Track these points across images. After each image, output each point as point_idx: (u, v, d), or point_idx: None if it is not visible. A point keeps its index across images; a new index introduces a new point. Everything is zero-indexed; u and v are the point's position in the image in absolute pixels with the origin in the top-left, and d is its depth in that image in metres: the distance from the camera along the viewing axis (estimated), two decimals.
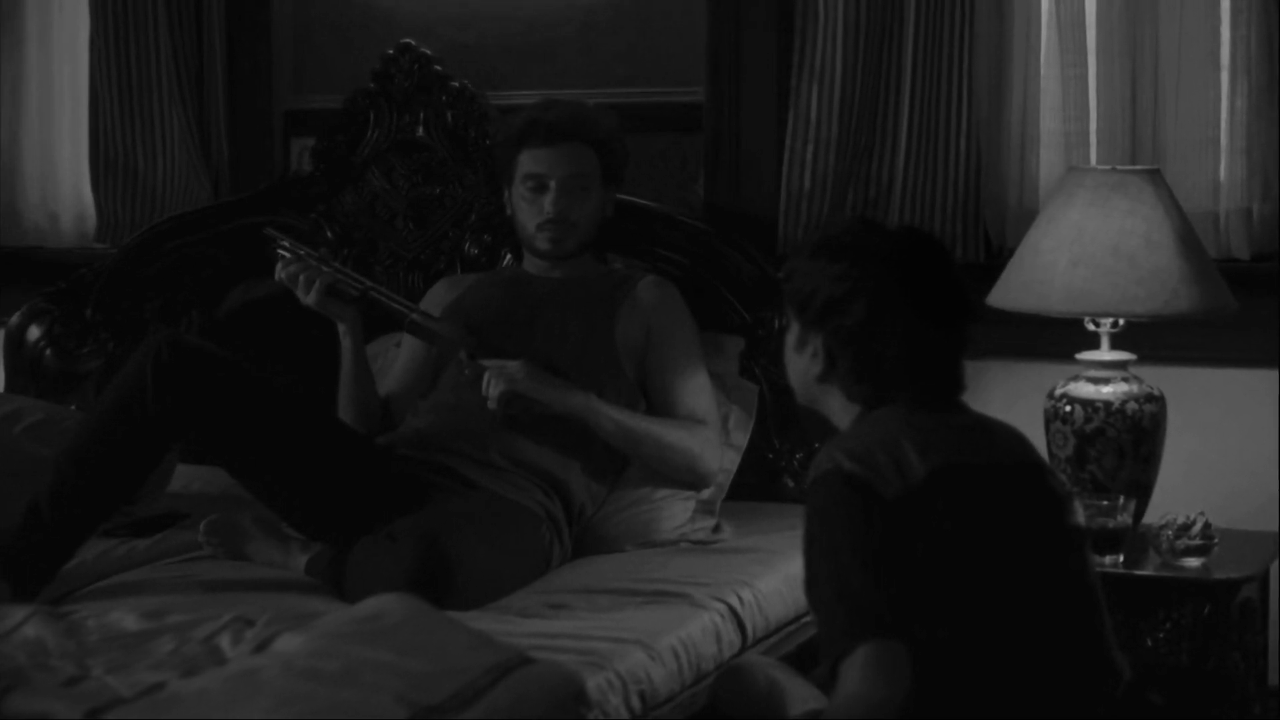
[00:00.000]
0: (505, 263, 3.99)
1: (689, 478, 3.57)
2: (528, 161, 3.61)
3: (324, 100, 4.29)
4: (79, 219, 4.67)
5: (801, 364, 2.57)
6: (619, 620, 2.99)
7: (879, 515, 2.37)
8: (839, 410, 2.57)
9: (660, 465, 3.54)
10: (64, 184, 4.69)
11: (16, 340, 4.35)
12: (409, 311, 3.57)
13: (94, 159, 4.56)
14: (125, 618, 2.77)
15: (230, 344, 4.05)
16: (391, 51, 4.10)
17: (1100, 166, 3.65)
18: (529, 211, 3.63)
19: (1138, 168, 3.55)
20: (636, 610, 3.07)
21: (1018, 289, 3.50)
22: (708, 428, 3.57)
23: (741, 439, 3.73)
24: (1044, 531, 2.50)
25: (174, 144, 4.48)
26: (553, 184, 3.59)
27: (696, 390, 3.58)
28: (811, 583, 2.41)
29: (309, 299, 3.52)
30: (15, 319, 4.36)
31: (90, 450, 3.23)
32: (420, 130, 4.09)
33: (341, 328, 3.58)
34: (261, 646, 2.55)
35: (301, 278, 3.52)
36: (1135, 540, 3.42)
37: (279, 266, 3.55)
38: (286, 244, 3.57)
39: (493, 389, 3.42)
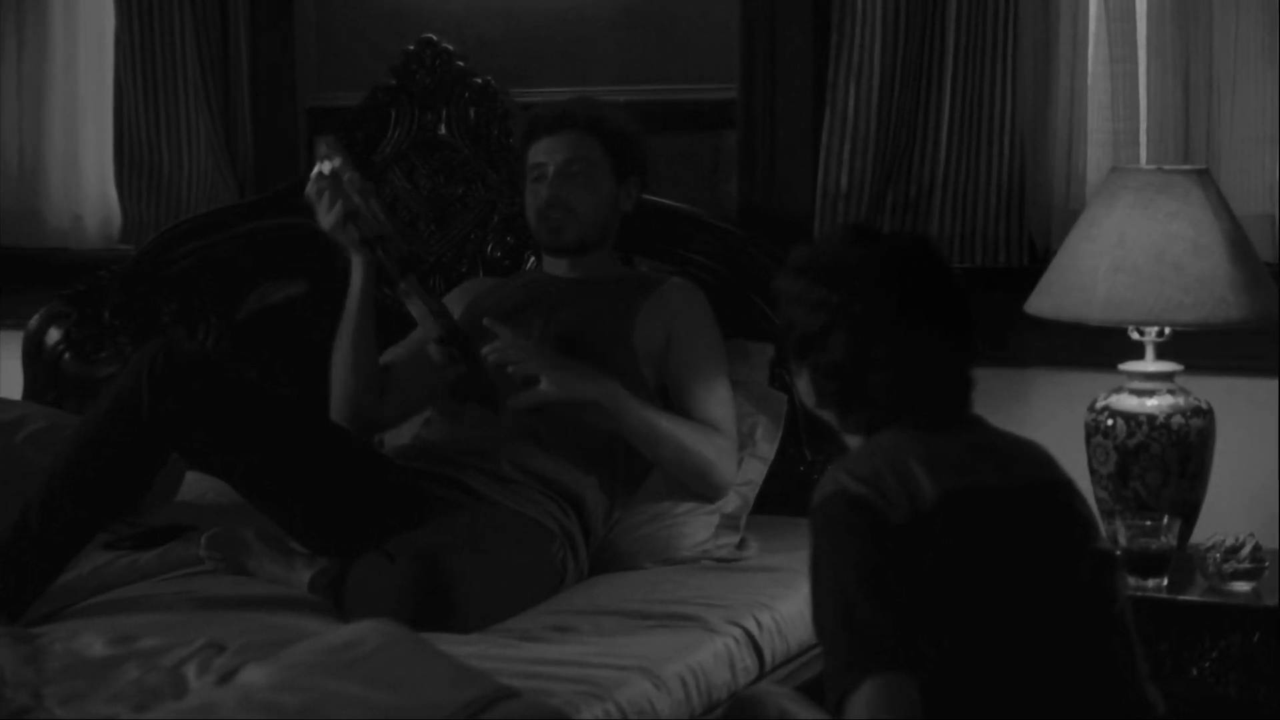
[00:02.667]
0: (529, 266, 3.87)
1: (702, 486, 3.44)
2: (533, 155, 3.55)
3: (348, 97, 4.17)
4: (104, 220, 4.60)
5: (800, 390, 2.50)
6: (625, 645, 2.86)
7: (886, 540, 2.25)
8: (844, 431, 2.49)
9: (676, 469, 3.41)
10: (88, 185, 4.61)
11: (36, 344, 4.27)
12: (401, 277, 3.37)
13: (119, 159, 4.48)
14: (94, 643, 2.66)
15: (248, 348, 3.99)
16: (412, 46, 3.99)
17: (1145, 166, 3.50)
18: (532, 203, 3.54)
19: (1184, 167, 3.40)
20: (645, 635, 2.94)
21: (1057, 296, 3.37)
22: (725, 438, 3.44)
23: (769, 450, 3.60)
24: (1066, 555, 2.37)
25: (199, 143, 4.40)
26: (550, 169, 3.50)
27: (717, 399, 3.46)
28: (817, 610, 2.30)
29: (325, 221, 3.37)
30: (34, 322, 4.28)
31: (83, 460, 3.10)
32: (442, 128, 3.99)
33: (355, 259, 3.43)
34: (227, 677, 2.43)
35: (325, 197, 3.37)
36: (1180, 563, 3.31)
37: (310, 182, 3.38)
38: (327, 161, 3.38)
39: (517, 369, 3.28)
